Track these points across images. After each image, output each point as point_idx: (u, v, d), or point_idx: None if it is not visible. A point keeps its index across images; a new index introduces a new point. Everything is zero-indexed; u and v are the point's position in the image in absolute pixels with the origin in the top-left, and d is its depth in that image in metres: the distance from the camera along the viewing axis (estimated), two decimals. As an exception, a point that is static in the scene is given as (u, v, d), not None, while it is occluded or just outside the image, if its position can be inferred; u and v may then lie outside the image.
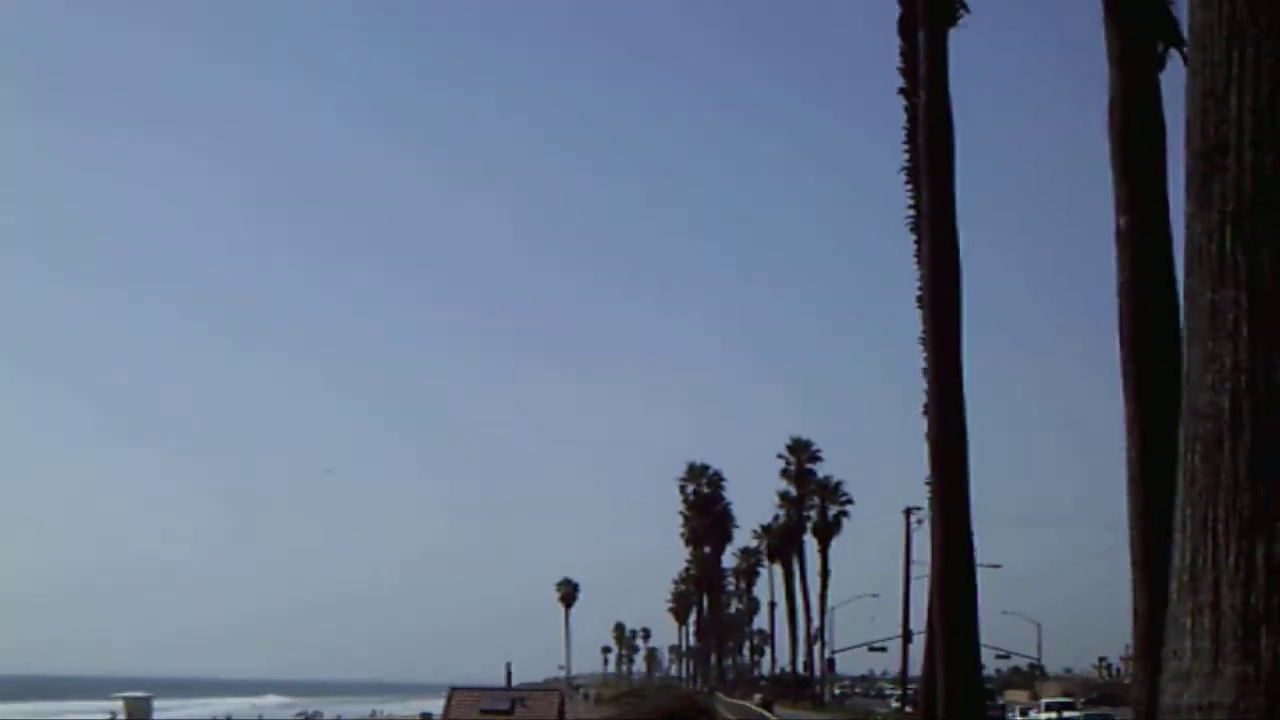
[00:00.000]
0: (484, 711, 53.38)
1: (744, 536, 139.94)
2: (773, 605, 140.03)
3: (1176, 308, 10.22)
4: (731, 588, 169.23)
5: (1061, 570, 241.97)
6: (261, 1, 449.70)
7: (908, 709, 70.64)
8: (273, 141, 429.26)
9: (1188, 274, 3.90)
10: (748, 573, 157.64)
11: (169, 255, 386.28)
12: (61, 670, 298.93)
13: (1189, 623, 3.70)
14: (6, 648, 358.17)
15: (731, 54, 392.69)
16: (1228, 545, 3.62)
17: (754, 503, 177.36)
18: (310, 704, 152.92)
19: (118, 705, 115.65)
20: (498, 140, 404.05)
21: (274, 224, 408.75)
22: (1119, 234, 17.68)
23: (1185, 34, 6.23)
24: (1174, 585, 3.77)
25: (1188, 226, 3.91)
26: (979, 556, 30.10)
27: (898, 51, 34.48)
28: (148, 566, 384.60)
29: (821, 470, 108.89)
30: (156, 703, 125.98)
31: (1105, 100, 18.24)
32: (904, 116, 35.14)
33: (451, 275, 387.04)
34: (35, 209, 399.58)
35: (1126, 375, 17.48)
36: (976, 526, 29.72)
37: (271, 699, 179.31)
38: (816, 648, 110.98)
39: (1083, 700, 75.34)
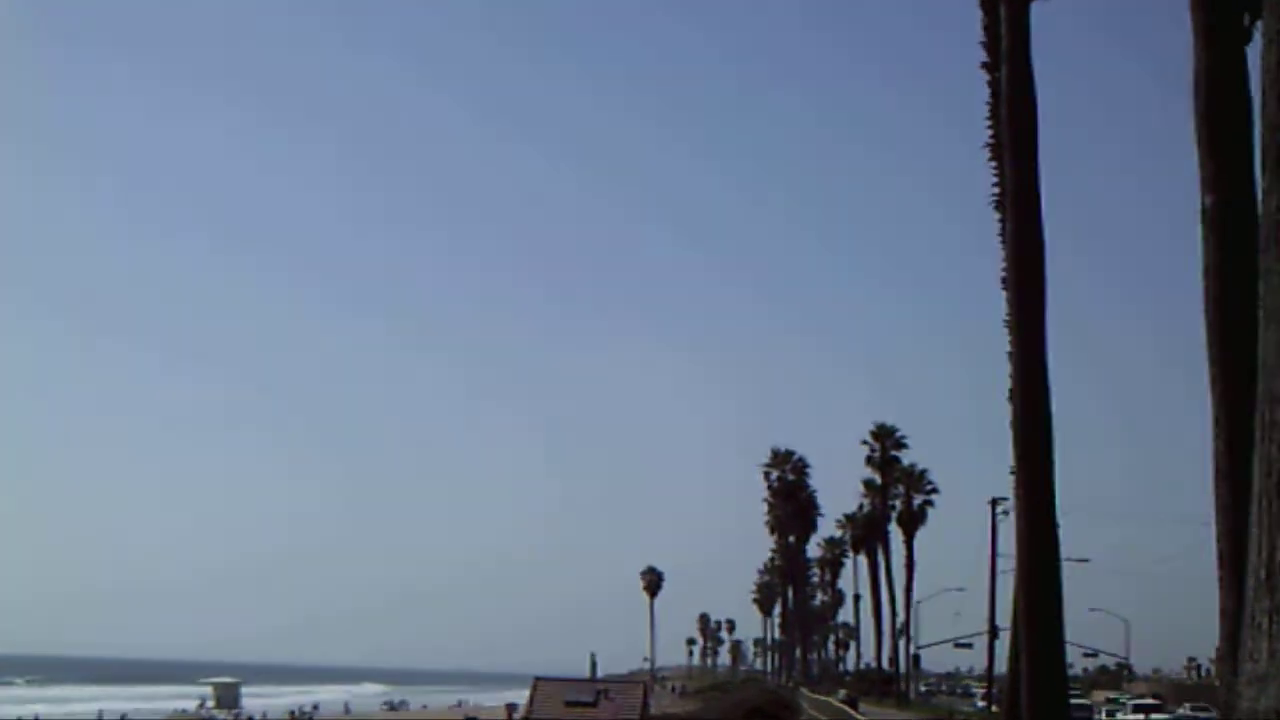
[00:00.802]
0: (568, 703, 53.31)
1: (829, 526, 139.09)
2: (857, 598, 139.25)
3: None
4: (816, 579, 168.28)
5: (1152, 566, 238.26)
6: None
7: (993, 708, 69.67)
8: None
9: (1263, 251, 3.58)
10: (833, 563, 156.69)
11: (333, 247, 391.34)
12: (164, 656, 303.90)
13: (1266, 623, 3.40)
14: (118, 633, 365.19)
15: (815, 38, 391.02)
16: (1309, 541, 3.32)
17: (838, 491, 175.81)
18: (398, 693, 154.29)
19: (207, 691, 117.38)
20: (603, 129, 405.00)
21: (432, 224, 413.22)
22: (1204, 214, 17.15)
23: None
24: (1250, 583, 3.46)
25: (1264, 201, 3.59)
26: (1066, 550, 29.52)
27: (980, 25, 33.99)
28: (257, 557, 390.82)
29: (906, 458, 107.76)
30: (251, 689, 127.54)
31: (1190, 75, 17.78)
32: (986, 93, 34.63)
33: (564, 266, 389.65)
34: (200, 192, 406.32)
35: (1213, 362, 16.95)
36: (1064, 519, 29.15)
37: (368, 687, 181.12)
38: (902, 643, 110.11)
39: (1188, 706, 73.41)
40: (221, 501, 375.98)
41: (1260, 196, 3.76)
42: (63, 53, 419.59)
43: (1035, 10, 29.42)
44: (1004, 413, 31.38)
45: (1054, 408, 29.15)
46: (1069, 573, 30.33)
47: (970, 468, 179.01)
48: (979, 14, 33.95)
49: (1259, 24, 18.57)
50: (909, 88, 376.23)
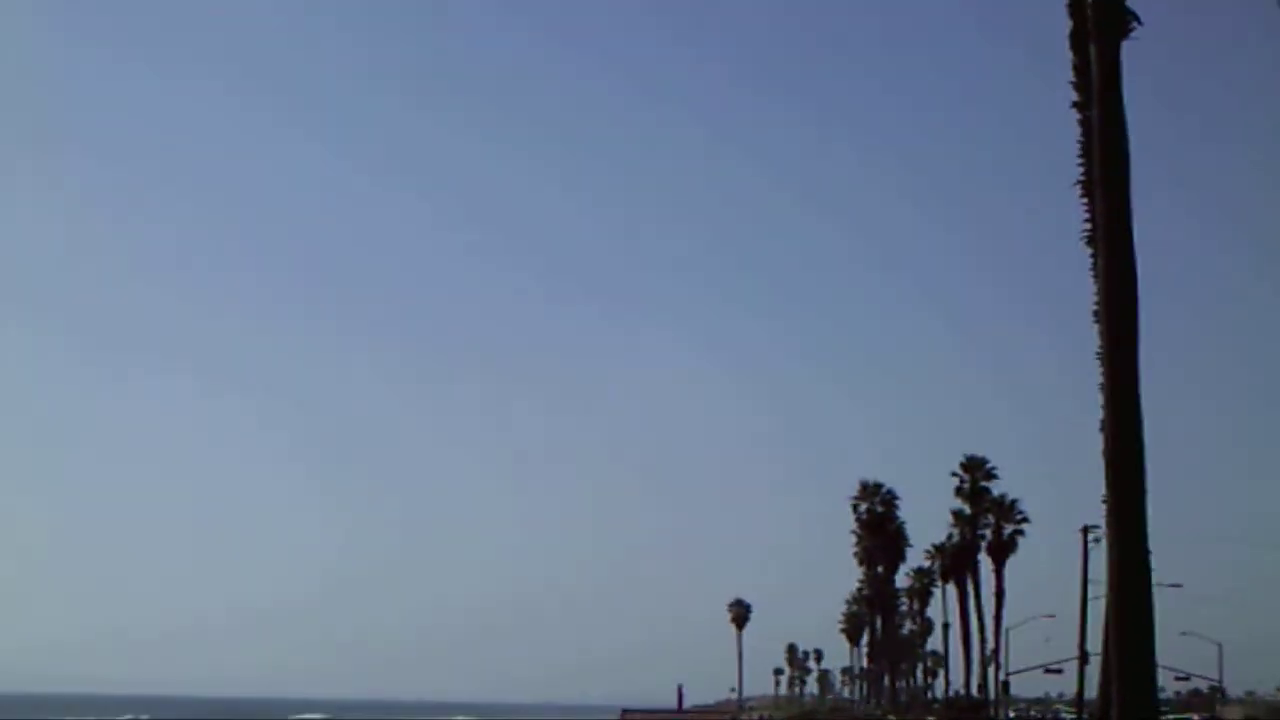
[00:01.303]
0: (656, 731, 53.66)
1: (917, 556, 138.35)
2: (946, 626, 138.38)
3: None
4: (904, 608, 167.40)
5: (1246, 590, 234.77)
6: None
7: (1084, 732, 69.34)
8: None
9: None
10: (921, 593, 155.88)
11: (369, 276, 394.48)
12: (239, 694, 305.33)
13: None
14: (197, 674, 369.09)
15: (895, 69, 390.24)
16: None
17: (927, 521, 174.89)
18: None
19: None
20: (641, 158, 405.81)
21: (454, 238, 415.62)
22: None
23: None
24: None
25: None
26: (1159, 575, 29.61)
27: (1070, 65, 34.34)
28: (324, 585, 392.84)
29: (996, 488, 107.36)
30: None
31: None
32: (1078, 130, 34.95)
33: (639, 297, 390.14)
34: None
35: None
36: (1156, 544, 29.29)
37: None
38: (991, 669, 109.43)
39: None
40: (275, 536, 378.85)
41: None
42: (122, 79, 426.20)
43: (1127, 48, 29.78)
44: (1097, 442, 31.64)
45: (1147, 433, 29.36)
46: (1162, 597, 30.43)
47: (1065, 495, 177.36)
48: (1069, 55, 34.31)
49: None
50: (998, 120, 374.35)
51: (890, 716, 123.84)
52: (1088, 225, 35.46)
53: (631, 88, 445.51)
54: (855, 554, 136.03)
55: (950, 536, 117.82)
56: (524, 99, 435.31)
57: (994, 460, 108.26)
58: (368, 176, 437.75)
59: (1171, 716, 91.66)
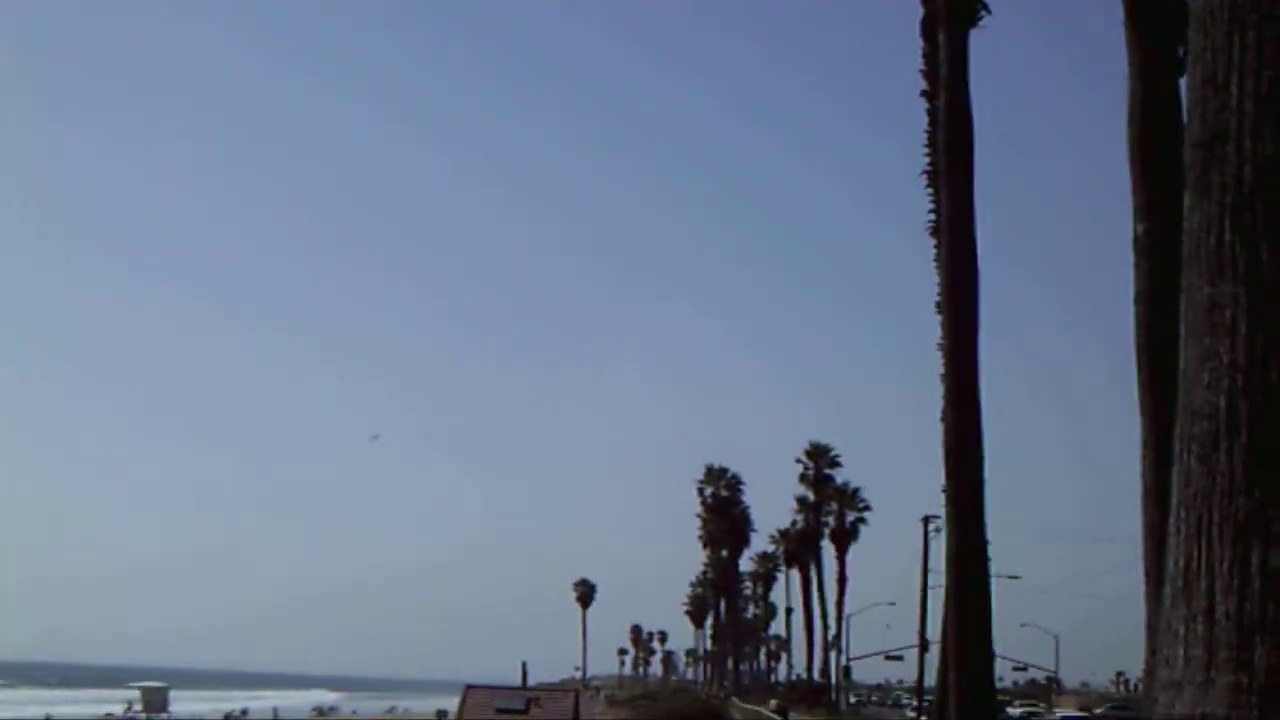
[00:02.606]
0: (499, 710, 53.25)
1: (762, 541, 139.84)
2: (789, 611, 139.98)
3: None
4: (749, 592, 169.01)
5: (1081, 583, 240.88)
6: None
7: (923, 718, 70.41)
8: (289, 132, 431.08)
9: (1186, 268, 3.76)
10: (765, 577, 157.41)
11: (206, 250, 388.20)
12: (88, 659, 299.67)
13: (1182, 630, 3.56)
14: (34, 636, 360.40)
15: (753, 55, 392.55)
16: (1222, 550, 3.48)
17: (772, 507, 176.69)
18: (336, 699, 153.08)
19: (135, 695, 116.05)
20: (521, 140, 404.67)
21: (308, 218, 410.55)
22: (1137, 241, 17.53)
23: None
24: (1167, 591, 3.63)
25: (1186, 219, 3.77)
26: (998, 568, 30.02)
27: (920, 53, 34.39)
28: (172, 555, 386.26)
29: (840, 476, 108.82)
30: (181, 692, 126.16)
31: (1125, 105, 18.12)
32: (925, 119, 35.02)
33: (479, 274, 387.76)
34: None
35: (1142, 385, 17.32)
36: (997, 538, 29.70)
37: (318, 694, 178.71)
38: (833, 655, 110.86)
39: (1107, 705, 75.19)
40: (138, 500, 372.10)
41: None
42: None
43: (975, 38, 29.89)
44: (938, 433, 31.79)
45: (987, 429, 29.67)
46: (1001, 589, 30.83)
47: (906, 484, 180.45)
48: (919, 42, 34.37)
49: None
50: (854, 112, 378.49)
51: (732, 698, 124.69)
52: (932, 215, 35.59)
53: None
54: (701, 537, 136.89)
55: (794, 522, 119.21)
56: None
57: (839, 449, 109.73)
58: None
59: (1022, 704, 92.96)
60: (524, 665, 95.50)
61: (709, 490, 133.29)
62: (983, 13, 30.32)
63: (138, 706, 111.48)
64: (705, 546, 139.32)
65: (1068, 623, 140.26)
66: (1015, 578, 73.31)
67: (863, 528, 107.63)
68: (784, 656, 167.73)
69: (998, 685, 33.44)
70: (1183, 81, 18.58)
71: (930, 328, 34.66)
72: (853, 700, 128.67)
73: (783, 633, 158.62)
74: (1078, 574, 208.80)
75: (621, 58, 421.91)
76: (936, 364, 33.14)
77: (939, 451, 31.16)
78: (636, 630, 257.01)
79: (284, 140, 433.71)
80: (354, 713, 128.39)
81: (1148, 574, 17.02)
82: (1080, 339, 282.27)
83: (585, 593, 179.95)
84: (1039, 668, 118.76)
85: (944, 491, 31.16)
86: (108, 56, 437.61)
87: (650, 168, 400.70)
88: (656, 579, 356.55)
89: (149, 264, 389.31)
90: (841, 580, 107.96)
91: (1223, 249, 3.60)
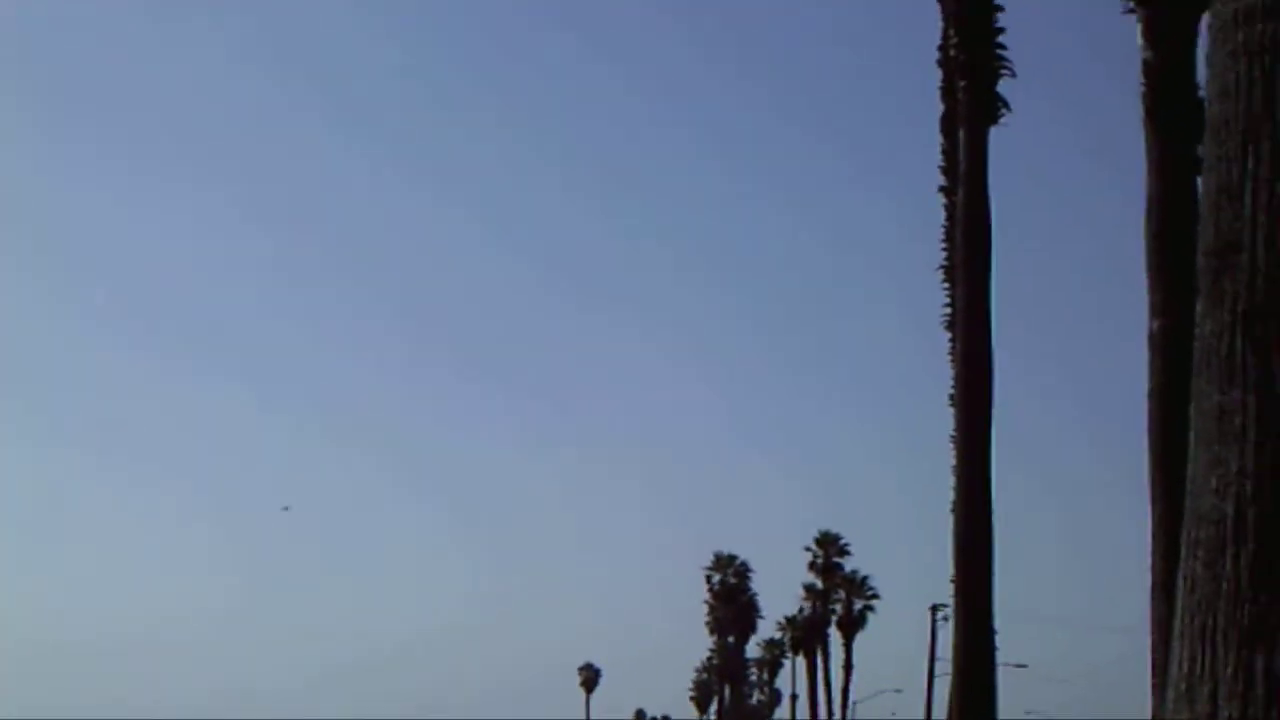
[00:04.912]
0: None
1: (769, 627, 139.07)
2: (794, 697, 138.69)
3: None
4: (754, 678, 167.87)
5: (1087, 673, 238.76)
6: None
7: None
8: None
9: (1196, 374, 3.80)
10: (771, 664, 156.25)
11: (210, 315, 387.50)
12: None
13: (1185, 735, 3.57)
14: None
15: (769, 141, 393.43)
16: (1226, 655, 3.49)
17: (779, 592, 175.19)
18: None
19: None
20: (518, 193, 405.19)
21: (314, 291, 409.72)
22: (1151, 338, 17.60)
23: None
24: (1170, 694, 3.64)
25: (1198, 325, 3.82)
26: (1005, 655, 29.86)
27: (939, 149, 34.59)
28: (175, 623, 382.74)
29: (848, 564, 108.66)
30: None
31: (1144, 201, 18.24)
32: (942, 214, 35.20)
33: (480, 344, 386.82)
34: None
35: (1154, 481, 17.33)
36: (1004, 625, 29.54)
37: None
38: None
39: None
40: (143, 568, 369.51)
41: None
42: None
43: (994, 134, 30.09)
44: (948, 522, 31.71)
45: (996, 517, 29.62)
46: (1007, 676, 30.68)
47: (914, 572, 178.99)
48: (939, 138, 34.61)
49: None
50: (867, 200, 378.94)
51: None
52: (948, 310, 35.67)
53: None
54: (707, 623, 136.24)
55: (801, 610, 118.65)
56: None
57: (848, 535, 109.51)
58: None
59: None
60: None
61: (717, 577, 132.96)
62: (1003, 111, 30.53)
63: None
64: (712, 632, 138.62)
65: (1073, 711, 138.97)
66: (1022, 666, 72.73)
67: (870, 616, 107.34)
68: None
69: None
70: (1199, 180, 18.74)
71: (943, 419, 34.68)
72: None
73: (788, 719, 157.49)
74: (1084, 663, 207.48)
75: (651, 141, 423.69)
76: (948, 455, 33.12)
77: (948, 541, 31.10)
78: (640, 715, 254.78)
79: (317, 229, 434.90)
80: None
81: (1155, 667, 16.95)
82: (1092, 433, 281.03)
83: (590, 677, 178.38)
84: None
85: (953, 582, 31.05)
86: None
87: (661, 252, 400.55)
88: (661, 664, 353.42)
89: (163, 333, 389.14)
90: (848, 667, 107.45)
91: (1233, 357, 3.65)
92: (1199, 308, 3.83)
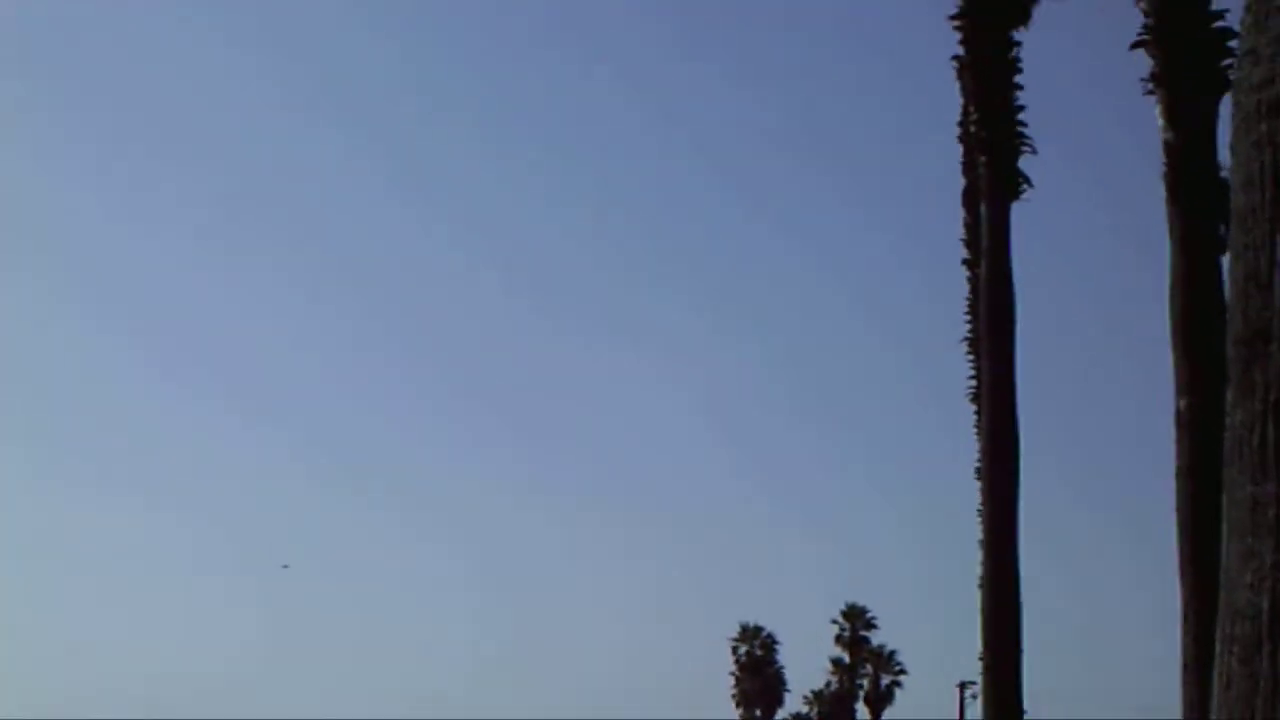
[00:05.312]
0: None
1: (795, 701, 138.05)
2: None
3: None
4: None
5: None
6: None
7: None
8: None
9: (1227, 465, 3.76)
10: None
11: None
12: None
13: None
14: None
15: (802, 208, 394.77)
16: (1264, 754, 3.43)
17: (805, 665, 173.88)
18: None
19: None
20: (557, 252, 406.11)
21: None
22: (1179, 416, 17.51)
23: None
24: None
25: (1228, 415, 3.78)
26: (1035, 733, 29.49)
27: (961, 222, 34.71)
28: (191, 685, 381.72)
29: (876, 638, 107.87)
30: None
31: (1167, 278, 18.22)
32: (966, 287, 35.24)
33: (504, 420, 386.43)
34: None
35: (1184, 559, 17.19)
36: (1032, 704, 29.22)
37: None
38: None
39: None
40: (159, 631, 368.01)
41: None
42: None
43: (1017, 208, 30.14)
44: (976, 597, 31.51)
45: (1024, 593, 29.39)
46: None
47: (942, 647, 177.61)
48: (961, 212, 34.75)
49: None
50: (892, 271, 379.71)
51: None
52: (973, 383, 35.63)
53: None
54: (733, 696, 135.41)
55: (829, 684, 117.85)
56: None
57: (875, 608, 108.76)
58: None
59: None
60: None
61: (743, 649, 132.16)
62: (1025, 186, 30.58)
63: None
64: (738, 705, 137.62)
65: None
66: (1051, 743, 72.25)
67: (898, 691, 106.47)
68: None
69: None
70: (1224, 259, 18.73)
71: (970, 492, 34.55)
72: None
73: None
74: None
75: (685, 208, 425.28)
76: (976, 529, 32.97)
77: (976, 616, 30.87)
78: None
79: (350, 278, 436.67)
80: None
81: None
82: (1120, 509, 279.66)
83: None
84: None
85: (981, 659, 30.80)
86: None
87: (691, 322, 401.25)
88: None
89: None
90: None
91: (1265, 448, 3.60)
92: (1229, 397, 3.80)
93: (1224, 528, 3.77)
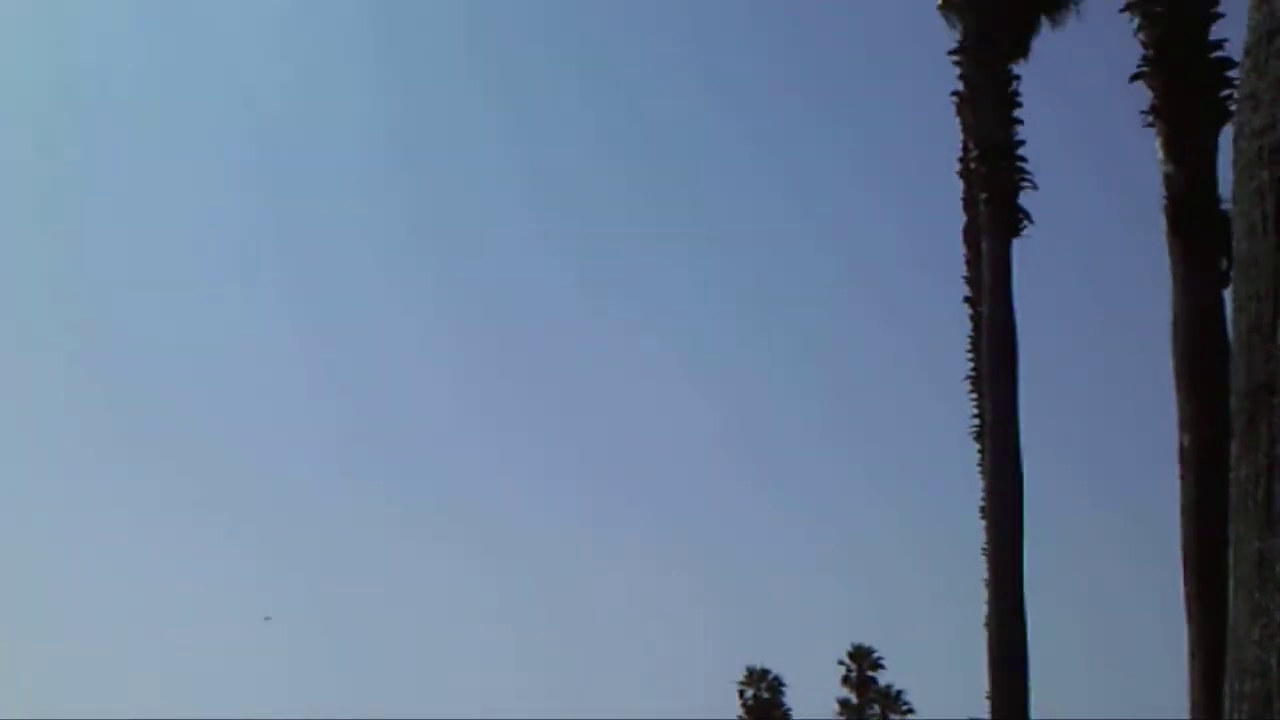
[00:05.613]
0: None
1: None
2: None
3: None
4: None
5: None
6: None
7: None
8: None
9: (1234, 519, 3.69)
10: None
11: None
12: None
13: None
14: None
15: (802, 249, 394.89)
16: (1274, 815, 3.35)
17: (811, 706, 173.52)
18: None
19: None
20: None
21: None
22: (1182, 453, 17.39)
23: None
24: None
25: (1233, 468, 3.71)
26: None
27: (963, 260, 34.66)
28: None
29: (883, 678, 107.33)
30: None
31: (1170, 314, 18.13)
32: (969, 324, 35.17)
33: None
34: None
35: (1189, 598, 17.06)
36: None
37: None
38: None
39: None
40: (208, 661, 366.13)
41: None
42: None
43: (1018, 245, 30.07)
44: (982, 636, 31.32)
45: (1031, 631, 29.19)
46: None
47: (947, 688, 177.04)
48: (962, 249, 34.71)
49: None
50: (894, 307, 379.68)
51: None
52: (976, 421, 35.52)
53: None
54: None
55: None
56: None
57: (881, 648, 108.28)
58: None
59: None
60: None
61: (749, 692, 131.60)
62: (1025, 224, 30.52)
63: None
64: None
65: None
66: (1060, 785, 71.81)
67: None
68: None
69: None
70: (1227, 293, 18.65)
71: (975, 530, 34.39)
72: None
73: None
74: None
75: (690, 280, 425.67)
76: (981, 568, 32.79)
77: (983, 655, 30.68)
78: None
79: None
80: None
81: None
82: (1126, 545, 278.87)
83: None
84: None
85: (988, 698, 30.60)
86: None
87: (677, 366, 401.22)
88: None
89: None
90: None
91: (1271, 502, 3.54)
92: (1233, 450, 3.73)
93: (1230, 583, 3.69)
